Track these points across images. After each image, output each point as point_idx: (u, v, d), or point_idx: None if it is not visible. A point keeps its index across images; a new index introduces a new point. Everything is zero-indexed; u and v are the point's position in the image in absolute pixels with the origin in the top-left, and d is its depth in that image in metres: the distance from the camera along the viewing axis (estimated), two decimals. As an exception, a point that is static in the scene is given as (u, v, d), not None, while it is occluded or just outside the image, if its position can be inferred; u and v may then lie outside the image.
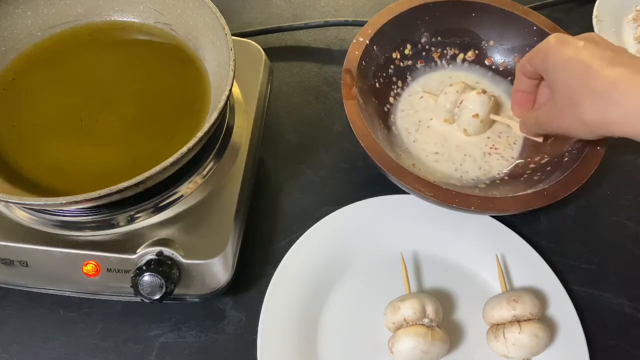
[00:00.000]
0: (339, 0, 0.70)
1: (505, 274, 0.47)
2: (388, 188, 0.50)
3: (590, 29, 0.63)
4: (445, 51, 0.57)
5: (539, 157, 0.50)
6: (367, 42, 0.52)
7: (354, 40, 0.52)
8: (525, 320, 0.42)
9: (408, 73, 0.57)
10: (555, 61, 0.41)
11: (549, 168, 0.48)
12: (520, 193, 0.44)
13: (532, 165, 0.50)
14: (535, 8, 0.55)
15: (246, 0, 0.69)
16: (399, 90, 0.56)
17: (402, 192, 0.48)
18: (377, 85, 0.54)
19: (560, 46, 0.41)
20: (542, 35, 0.53)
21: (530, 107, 0.50)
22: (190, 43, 0.48)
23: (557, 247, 0.51)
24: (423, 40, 0.57)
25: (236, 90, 0.50)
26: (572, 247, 0.52)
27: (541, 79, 0.47)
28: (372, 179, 0.54)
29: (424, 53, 0.57)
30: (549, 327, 0.43)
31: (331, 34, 0.66)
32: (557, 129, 0.43)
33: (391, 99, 0.55)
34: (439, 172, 0.51)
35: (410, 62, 0.57)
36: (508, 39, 0.56)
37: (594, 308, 0.48)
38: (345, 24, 0.64)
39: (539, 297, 0.45)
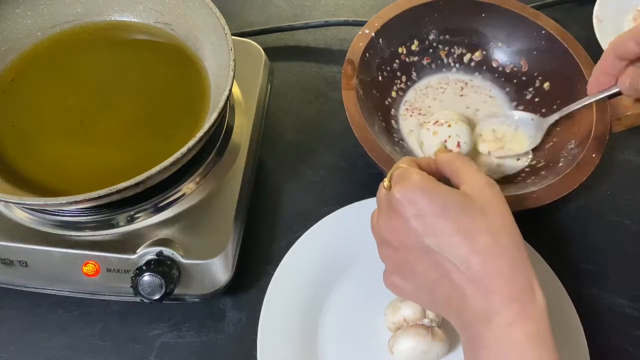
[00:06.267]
0: (339, 0, 0.70)
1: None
2: (388, 188, 0.50)
3: (590, 29, 0.63)
4: (452, 50, 0.57)
5: (535, 162, 0.50)
6: (373, 34, 0.52)
7: (360, 32, 0.52)
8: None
9: (413, 69, 0.57)
10: None
11: (543, 172, 0.48)
12: (510, 194, 0.44)
13: (527, 169, 0.50)
14: (535, 8, 0.55)
15: (246, 0, 0.69)
16: (402, 86, 0.56)
17: (402, 192, 0.48)
18: (380, 78, 0.54)
19: None
20: (551, 39, 0.52)
21: (607, 87, 0.46)
22: (190, 43, 0.48)
23: (557, 247, 0.51)
24: (431, 37, 0.56)
25: (236, 90, 0.50)
26: (572, 247, 0.52)
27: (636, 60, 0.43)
28: (372, 179, 0.53)
29: (430, 50, 0.57)
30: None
31: (331, 34, 0.66)
32: None
33: (393, 94, 0.55)
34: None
35: (416, 58, 0.56)
36: (516, 42, 0.55)
37: (594, 308, 0.48)
38: (345, 23, 0.64)
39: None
